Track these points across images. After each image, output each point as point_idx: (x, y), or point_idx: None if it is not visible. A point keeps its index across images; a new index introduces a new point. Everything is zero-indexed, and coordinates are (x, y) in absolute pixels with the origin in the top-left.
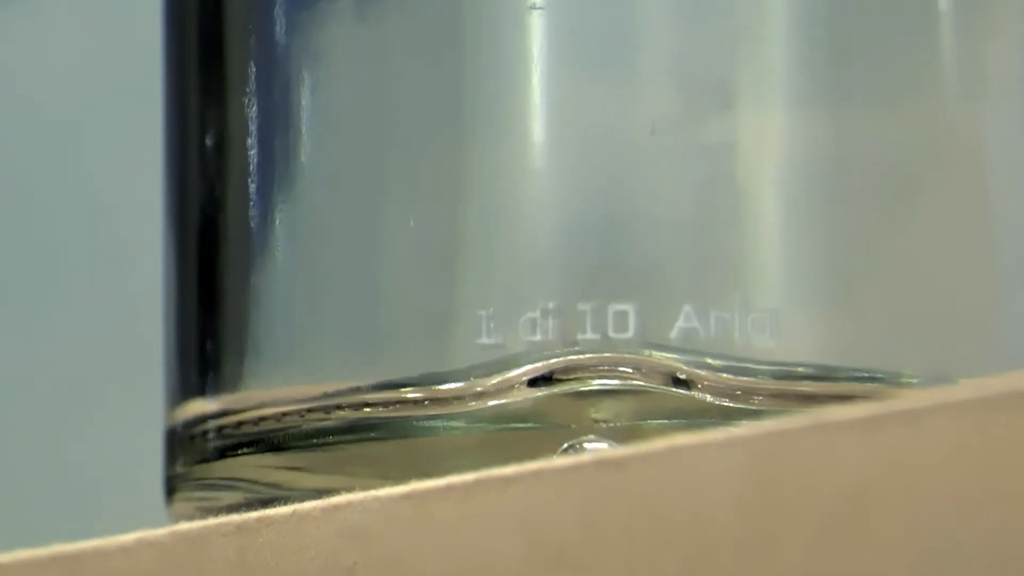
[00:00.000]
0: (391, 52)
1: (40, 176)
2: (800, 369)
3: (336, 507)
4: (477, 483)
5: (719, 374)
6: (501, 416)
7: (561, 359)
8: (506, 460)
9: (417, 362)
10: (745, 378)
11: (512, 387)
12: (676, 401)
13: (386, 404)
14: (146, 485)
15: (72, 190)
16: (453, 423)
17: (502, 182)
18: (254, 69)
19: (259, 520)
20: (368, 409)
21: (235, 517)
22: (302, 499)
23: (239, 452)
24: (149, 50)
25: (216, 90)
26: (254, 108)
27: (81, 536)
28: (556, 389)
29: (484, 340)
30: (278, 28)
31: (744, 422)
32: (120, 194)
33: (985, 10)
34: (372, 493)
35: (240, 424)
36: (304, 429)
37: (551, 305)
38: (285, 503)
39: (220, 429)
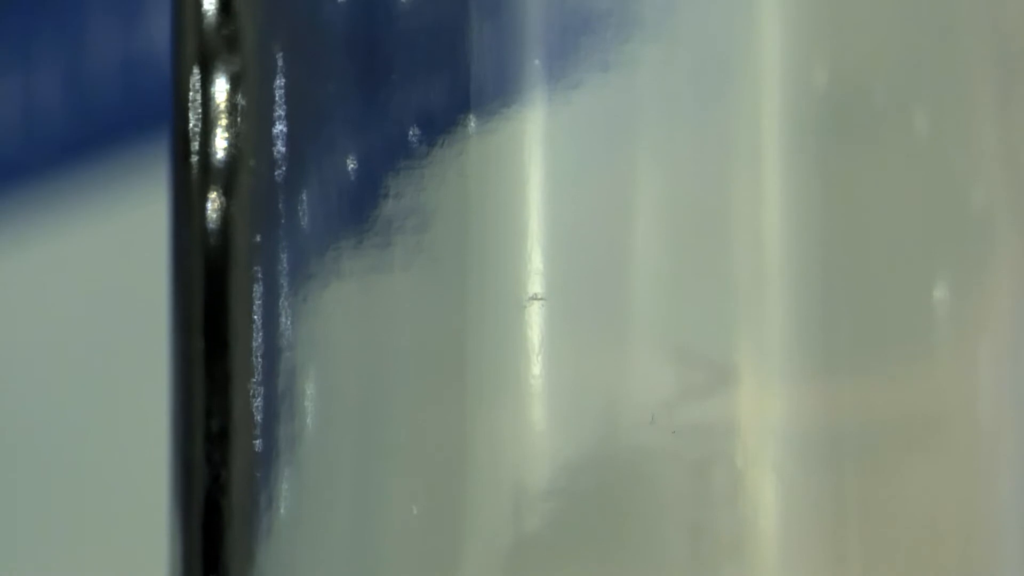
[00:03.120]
0: (393, 342)
1: (40, 442)
2: None
3: None
4: None
5: None
6: None
7: None
8: None
9: None
10: None
11: None
12: None
13: None
14: None
15: (72, 460)
16: None
17: (502, 468)
18: (259, 360)
19: None
20: None
21: None
22: None
23: None
24: (156, 334)
25: (221, 380)
26: (259, 399)
27: None
28: None
29: None
30: (283, 320)
31: None
32: (119, 473)
33: (978, 280)
34: None
35: None
36: None
37: None
38: None
39: None
